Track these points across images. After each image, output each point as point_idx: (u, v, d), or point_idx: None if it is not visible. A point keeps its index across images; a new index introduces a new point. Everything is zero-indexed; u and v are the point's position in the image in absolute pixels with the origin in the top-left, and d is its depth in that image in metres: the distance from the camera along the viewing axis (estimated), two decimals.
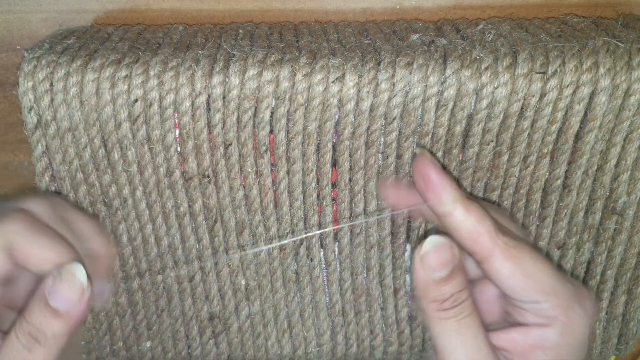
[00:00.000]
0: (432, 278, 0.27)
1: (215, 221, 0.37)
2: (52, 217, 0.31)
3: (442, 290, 0.27)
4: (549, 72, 0.32)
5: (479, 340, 0.27)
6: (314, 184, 0.36)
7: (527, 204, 0.37)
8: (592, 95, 0.33)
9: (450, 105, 0.33)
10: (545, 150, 0.34)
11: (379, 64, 0.32)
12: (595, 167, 0.35)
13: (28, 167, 0.44)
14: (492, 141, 0.34)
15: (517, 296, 0.28)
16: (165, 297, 0.40)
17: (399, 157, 0.35)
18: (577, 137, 0.34)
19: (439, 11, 0.38)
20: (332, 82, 0.32)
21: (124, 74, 0.32)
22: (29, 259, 0.28)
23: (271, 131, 0.34)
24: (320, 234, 0.38)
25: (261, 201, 0.37)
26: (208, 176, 0.36)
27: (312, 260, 0.39)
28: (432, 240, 0.27)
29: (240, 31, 0.36)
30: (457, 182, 0.34)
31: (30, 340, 0.27)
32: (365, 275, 0.39)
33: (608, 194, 0.36)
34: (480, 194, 0.36)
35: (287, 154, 0.35)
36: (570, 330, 0.27)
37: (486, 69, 0.32)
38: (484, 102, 0.32)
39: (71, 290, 0.27)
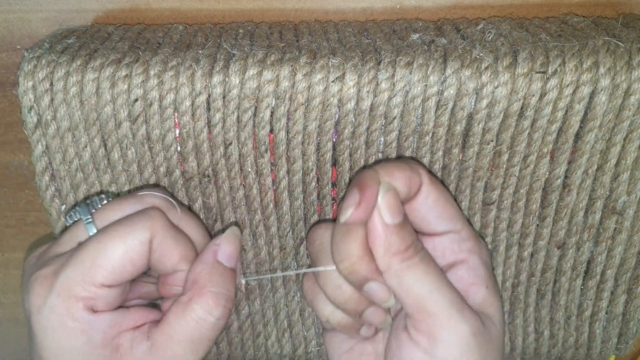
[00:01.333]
0: (394, 225, 0.28)
1: (216, 220, 0.37)
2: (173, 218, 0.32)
3: (403, 238, 0.28)
4: (549, 71, 0.32)
5: (445, 279, 0.29)
6: (314, 183, 0.36)
7: (527, 204, 0.37)
8: (592, 95, 0.33)
9: (450, 105, 0.33)
10: (546, 150, 0.34)
11: (379, 63, 0.32)
12: (595, 167, 0.35)
13: (28, 166, 0.44)
14: (492, 141, 0.34)
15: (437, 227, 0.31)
16: None
17: (399, 156, 0.35)
18: (577, 136, 0.34)
19: (439, 11, 0.38)
20: (332, 81, 0.32)
21: (124, 73, 0.32)
22: (166, 256, 0.30)
23: (271, 130, 0.34)
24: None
25: (261, 200, 0.37)
26: (208, 176, 0.36)
27: None
28: (383, 191, 0.28)
29: (241, 31, 0.36)
30: None
31: (224, 309, 0.29)
32: None
33: (608, 193, 0.36)
34: (480, 194, 0.36)
35: (287, 153, 0.35)
36: (484, 260, 0.31)
37: (486, 68, 0.32)
38: (484, 102, 0.32)
39: (236, 249, 0.31)
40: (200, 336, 0.29)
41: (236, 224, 0.36)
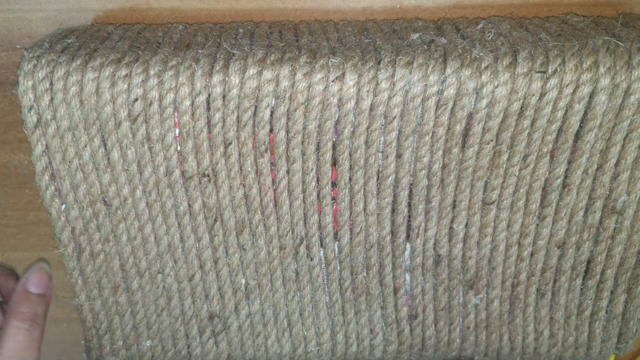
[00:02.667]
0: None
1: (215, 220, 0.37)
2: None
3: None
4: (549, 71, 0.32)
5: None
6: (313, 183, 0.36)
7: (527, 203, 0.37)
8: (592, 95, 0.33)
9: (450, 105, 0.33)
10: (545, 150, 0.34)
11: (379, 63, 0.32)
12: (595, 167, 0.35)
13: (28, 166, 0.44)
14: (492, 140, 0.34)
15: None
16: (165, 296, 0.40)
17: (398, 156, 0.35)
18: (577, 136, 0.34)
19: (439, 10, 0.38)
20: (332, 81, 0.32)
21: (123, 73, 0.32)
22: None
23: (271, 130, 0.34)
24: (320, 232, 0.38)
25: (261, 200, 0.37)
26: (208, 175, 0.36)
27: (311, 259, 0.39)
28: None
29: (240, 30, 0.36)
30: None
31: (31, 322, 0.36)
32: (365, 274, 0.39)
33: (608, 193, 0.36)
34: (480, 194, 0.36)
35: (287, 153, 0.35)
36: None
37: (486, 68, 0.32)
38: (484, 102, 0.32)
39: (42, 277, 0.38)
40: (21, 341, 0.36)
41: (44, 260, 0.42)
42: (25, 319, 0.36)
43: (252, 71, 0.32)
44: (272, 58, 0.32)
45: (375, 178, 0.36)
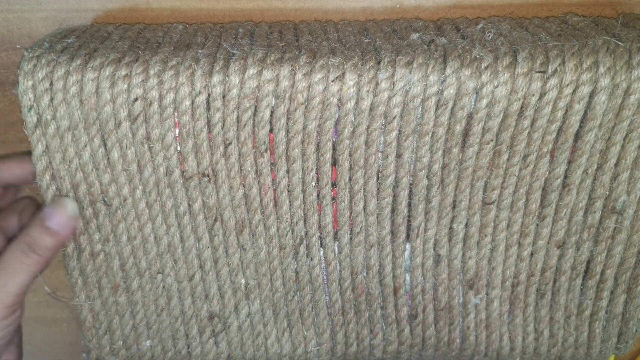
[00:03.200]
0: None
1: (215, 220, 0.37)
2: None
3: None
4: (549, 71, 0.32)
5: None
6: (313, 183, 0.36)
7: (526, 203, 0.37)
8: (592, 95, 0.33)
9: (450, 105, 0.33)
10: (545, 150, 0.34)
11: (378, 63, 0.32)
12: (595, 167, 0.35)
13: None
14: (492, 140, 0.34)
15: None
16: (165, 296, 0.40)
17: (398, 156, 0.35)
18: (577, 136, 0.34)
19: (439, 10, 0.38)
20: (332, 81, 0.32)
21: (123, 73, 0.32)
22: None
23: (271, 130, 0.34)
24: (320, 232, 0.38)
25: (261, 200, 0.37)
26: (208, 175, 0.36)
27: (311, 259, 0.39)
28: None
29: (240, 30, 0.36)
30: None
31: (26, 248, 0.35)
32: (364, 274, 0.39)
33: (608, 193, 0.36)
34: (480, 194, 0.36)
35: (287, 153, 0.35)
36: None
37: (486, 68, 0.32)
38: (484, 101, 0.32)
39: (63, 216, 0.36)
40: (11, 259, 0.35)
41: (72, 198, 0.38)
42: (25, 242, 0.36)
43: (252, 71, 0.32)
44: (272, 58, 0.32)
45: (375, 178, 0.36)
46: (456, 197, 0.36)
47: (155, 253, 0.38)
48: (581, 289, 0.39)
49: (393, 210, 0.37)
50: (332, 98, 0.32)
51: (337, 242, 0.38)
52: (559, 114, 0.33)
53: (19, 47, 0.39)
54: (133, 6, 0.38)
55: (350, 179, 0.36)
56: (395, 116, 0.33)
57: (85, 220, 0.37)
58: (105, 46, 0.34)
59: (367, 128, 0.34)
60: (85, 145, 0.35)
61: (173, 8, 0.38)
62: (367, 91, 0.32)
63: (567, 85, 0.32)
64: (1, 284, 0.35)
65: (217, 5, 0.38)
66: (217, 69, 0.32)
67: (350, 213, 0.37)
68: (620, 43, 0.32)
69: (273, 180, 0.36)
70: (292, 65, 0.32)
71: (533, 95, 0.32)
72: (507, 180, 0.36)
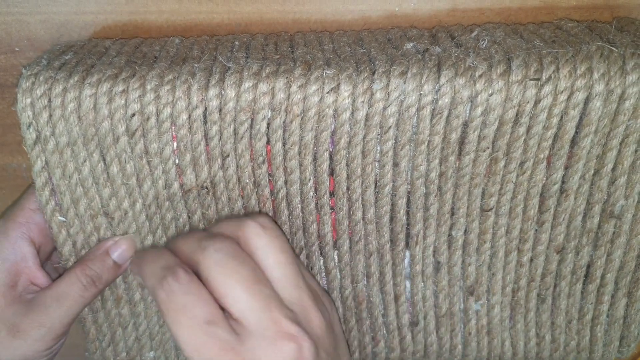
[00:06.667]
0: None
1: None
2: None
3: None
4: (543, 78, 0.32)
5: None
6: (311, 193, 0.36)
7: (525, 209, 0.37)
8: (587, 101, 0.33)
9: (445, 113, 0.33)
10: (542, 156, 0.34)
11: (373, 73, 0.32)
12: (592, 172, 0.35)
13: (26, 169, 0.44)
14: (488, 148, 0.34)
15: None
16: None
17: (395, 165, 0.35)
18: (573, 142, 0.34)
19: (437, 14, 0.38)
20: (327, 92, 0.32)
21: (121, 88, 0.33)
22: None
23: (268, 142, 0.34)
24: (320, 241, 0.38)
25: (260, 211, 0.37)
26: (206, 187, 0.36)
27: (312, 268, 0.39)
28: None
29: (236, 43, 0.37)
30: None
31: (90, 282, 0.36)
32: (365, 282, 0.40)
33: (606, 197, 0.36)
34: (478, 200, 0.36)
35: (284, 164, 0.35)
36: None
37: (480, 76, 0.32)
38: (479, 110, 0.32)
39: (129, 250, 0.37)
40: (71, 291, 0.35)
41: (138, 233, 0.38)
42: (89, 275, 0.36)
43: (247, 84, 0.32)
44: (267, 71, 0.33)
45: (373, 187, 0.36)
46: (454, 204, 0.36)
47: None
48: (582, 293, 0.39)
49: (392, 219, 0.37)
50: (327, 109, 0.33)
51: (336, 251, 0.39)
52: (555, 120, 0.33)
53: (18, 49, 0.39)
54: (132, 9, 0.38)
55: (347, 188, 0.36)
56: (390, 126, 0.33)
57: (86, 234, 0.37)
58: (103, 62, 0.34)
59: (364, 138, 0.34)
60: (85, 161, 0.35)
61: (172, 10, 0.38)
62: (362, 102, 0.32)
63: (562, 91, 0.32)
64: (57, 315, 0.35)
65: (216, 9, 0.38)
66: (213, 82, 0.33)
67: (349, 222, 0.37)
68: (614, 48, 0.32)
69: (271, 191, 0.36)
70: (287, 77, 0.32)
71: (528, 102, 0.32)
72: (504, 186, 0.36)
